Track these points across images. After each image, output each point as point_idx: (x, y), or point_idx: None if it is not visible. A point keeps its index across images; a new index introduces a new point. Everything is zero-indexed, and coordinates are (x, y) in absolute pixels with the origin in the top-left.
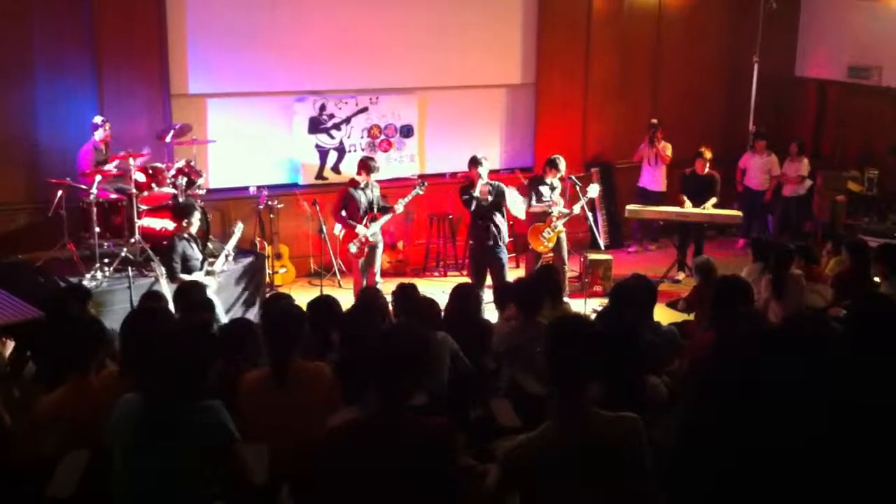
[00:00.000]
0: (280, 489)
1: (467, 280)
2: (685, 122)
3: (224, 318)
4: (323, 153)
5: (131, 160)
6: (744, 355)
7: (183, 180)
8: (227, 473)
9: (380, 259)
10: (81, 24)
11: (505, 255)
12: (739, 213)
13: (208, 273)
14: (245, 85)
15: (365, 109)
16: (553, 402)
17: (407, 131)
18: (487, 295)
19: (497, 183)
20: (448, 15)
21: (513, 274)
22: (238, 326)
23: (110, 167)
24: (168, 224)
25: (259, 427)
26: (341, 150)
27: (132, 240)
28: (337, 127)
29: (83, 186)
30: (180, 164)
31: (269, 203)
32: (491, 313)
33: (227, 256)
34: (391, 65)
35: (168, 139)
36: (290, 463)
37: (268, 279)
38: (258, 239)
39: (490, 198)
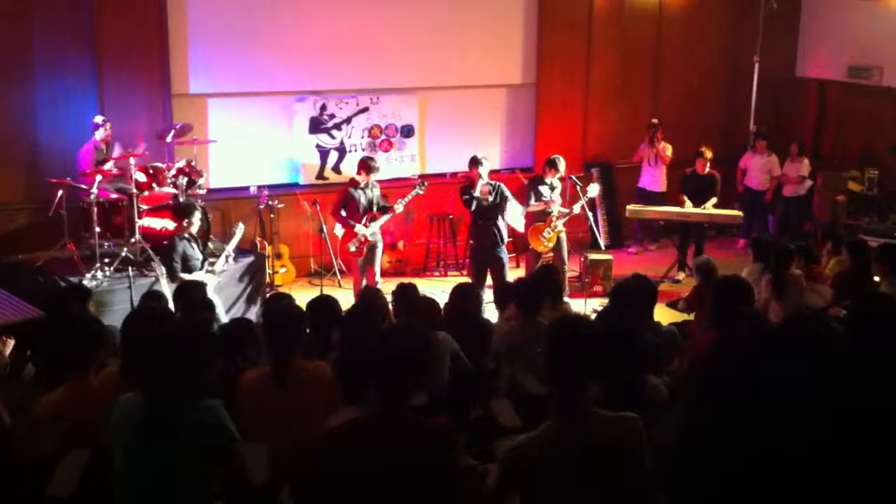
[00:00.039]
0: (280, 489)
1: (467, 280)
2: (685, 121)
3: (224, 318)
4: (323, 153)
5: (131, 160)
6: (744, 355)
7: (183, 180)
8: (226, 473)
9: (380, 259)
10: (81, 24)
11: (505, 255)
12: (740, 214)
13: (209, 272)
14: (246, 85)
15: (365, 109)
16: (553, 402)
17: (407, 131)
18: (488, 295)
19: (498, 183)
20: (448, 15)
21: (513, 274)
22: (238, 326)
23: (110, 166)
24: (168, 224)
25: (259, 427)
26: (342, 150)
27: (132, 240)
28: (337, 127)
29: (83, 186)
30: (181, 163)
31: (270, 203)
32: (491, 313)
33: (227, 257)
34: (392, 65)
35: (169, 139)
36: (290, 463)
37: (268, 279)
38: (258, 239)
39: (490, 198)
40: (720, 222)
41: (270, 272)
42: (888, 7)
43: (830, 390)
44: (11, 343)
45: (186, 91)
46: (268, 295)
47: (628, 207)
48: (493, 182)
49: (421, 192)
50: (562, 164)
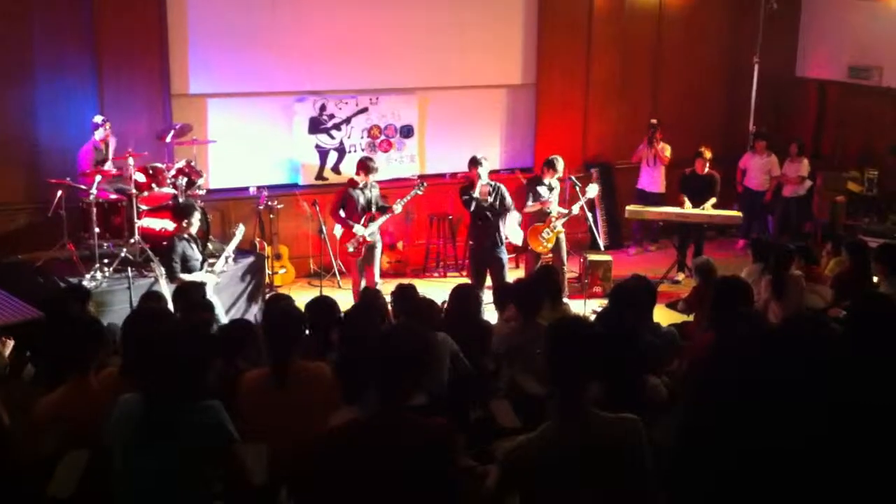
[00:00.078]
0: (280, 489)
1: (467, 281)
2: (685, 122)
3: (224, 319)
4: (323, 153)
5: (130, 160)
6: (743, 356)
7: (183, 180)
8: (226, 474)
9: (379, 259)
10: (81, 24)
11: (505, 256)
12: (739, 214)
13: (208, 273)
14: (245, 85)
15: (365, 110)
16: (553, 402)
17: (407, 131)
18: (487, 296)
19: (498, 184)
20: (448, 15)
21: (512, 274)
22: (238, 327)
23: (109, 166)
24: (168, 224)
25: (259, 427)
26: (341, 151)
27: (132, 240)
28: (337, 127)
29: (83, 186)
30: (180, 164)
31: (269, 203)
32: (491, 314)
33: (227, 258)
34: (391, 65)
35: (168, 139)
36: (290, 463)
37: (267, 279)
38: (258, 239)
39: (490, 198)
40: (719, 223)
41: (270, 273)
42: (888, 7)
43: (830, 391)
44: (11, 344)
45: (186, 91)
46: (267, 296)
47: (628, 208)
48: (492, 182)
49: (420, 193)
50: (560, 165)
